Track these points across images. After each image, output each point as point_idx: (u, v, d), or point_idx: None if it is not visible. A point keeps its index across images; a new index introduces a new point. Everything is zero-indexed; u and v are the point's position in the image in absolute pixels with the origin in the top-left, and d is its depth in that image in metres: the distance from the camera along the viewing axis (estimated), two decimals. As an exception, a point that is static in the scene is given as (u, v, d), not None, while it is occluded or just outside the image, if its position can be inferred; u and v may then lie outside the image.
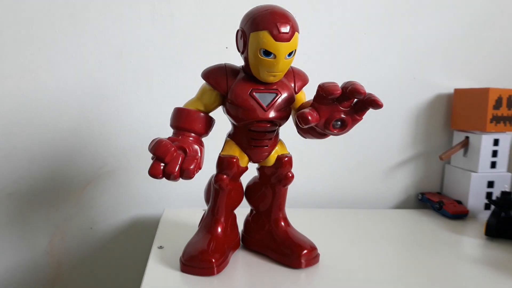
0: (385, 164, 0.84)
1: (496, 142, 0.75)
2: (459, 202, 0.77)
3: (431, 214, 0.78)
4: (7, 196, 0.73)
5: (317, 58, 0.78)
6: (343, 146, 0.81)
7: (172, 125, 0.48)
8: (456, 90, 0.80)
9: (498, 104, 0.74)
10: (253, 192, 0.54)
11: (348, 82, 0.43)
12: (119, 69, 0.73)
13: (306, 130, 0.48)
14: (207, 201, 0.53)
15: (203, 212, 0.72)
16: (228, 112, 0.48)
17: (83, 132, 0.74)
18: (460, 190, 0.78)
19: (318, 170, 0.82)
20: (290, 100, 0.47)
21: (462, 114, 0.79)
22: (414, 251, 0.59)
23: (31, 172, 0.73)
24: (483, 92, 0.74)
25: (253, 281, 0.48)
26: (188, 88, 0.75)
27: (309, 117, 0.42)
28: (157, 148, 0.44)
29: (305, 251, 0.50)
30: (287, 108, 0.47)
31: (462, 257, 0.58)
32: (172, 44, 0.74)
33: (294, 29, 0.43)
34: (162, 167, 0.44)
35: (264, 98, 0.46)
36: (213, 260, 0.47)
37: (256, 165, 0.53)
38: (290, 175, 0.50)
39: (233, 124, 0.50)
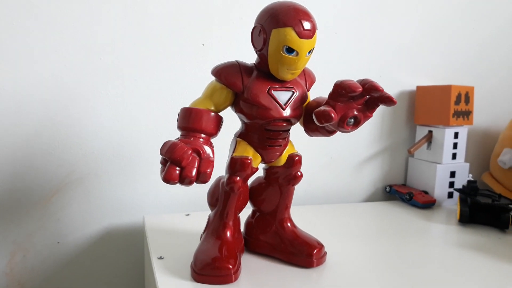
0: (354, 159, 0.87)
1: (456, 135, 0.82)
2: (426, 192, 0.82)
3: (400, 205, 0.82)
4: (-45, 213, 0.64)
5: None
6: (316, 143, 0.82)
7: (180, 126, 0.45)
8: (418, 87, 0.86)
9: (458, 100, 0.80)
10: (258, 193, 0.53)
11: (364, 80, 0.43)
12: (88, 67, 0.67)
13: (316, 128, 0.48)
14: (212, 204, 0.51)
15: (186, 216, 0.69)
16: (241, 111, 0.46)
17: (47, 136, 0.66)
18: (425, 181, 0.84)
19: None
20: (304, 98, 0.47)
21: (425, 110, 0.84)
22: (399, 241, 0.62)
23: (-15, 183, 0.64)
24: (446, 89, 0.80)
25: (272, 285, 0.46)
26: (162, 88, 0.72)
27: (332, 115, 0.42)
28: (173, 152, 0.40)
29: (315, 250, 0.50)
30: (301, 106, 0.47)
31: (447, 242, 0.62)
32: (146, 41, 0.69)
33: (315, 27, 0.42)
34: (177, 172, 0.41)
35: (281, 96, 0.45)
36: (230, 267, 0.45)
37: (263, 165, 0.52)
38: (299, 174, 0.50)
39: (244, 123, 0.48)
